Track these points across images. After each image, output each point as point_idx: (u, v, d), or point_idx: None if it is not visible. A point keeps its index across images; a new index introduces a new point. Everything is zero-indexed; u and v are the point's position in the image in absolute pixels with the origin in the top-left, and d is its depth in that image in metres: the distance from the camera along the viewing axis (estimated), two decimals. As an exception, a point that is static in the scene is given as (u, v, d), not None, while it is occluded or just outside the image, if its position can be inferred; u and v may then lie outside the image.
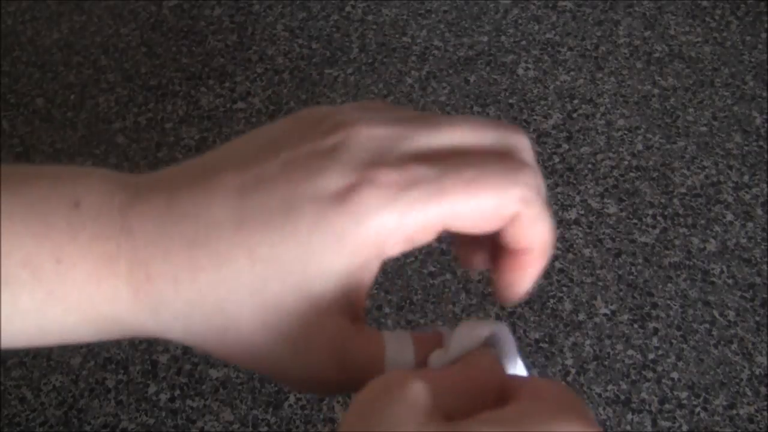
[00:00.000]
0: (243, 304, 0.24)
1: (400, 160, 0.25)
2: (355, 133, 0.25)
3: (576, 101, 0.96)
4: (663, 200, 0.87)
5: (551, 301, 0.79)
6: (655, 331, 0.78)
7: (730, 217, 0.86)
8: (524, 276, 0.28)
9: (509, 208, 0.25)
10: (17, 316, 0.24)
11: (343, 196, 0.24)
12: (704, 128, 0.93)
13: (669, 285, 0.81)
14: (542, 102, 0.96)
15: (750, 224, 0.85)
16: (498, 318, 0.78)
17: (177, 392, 0.75)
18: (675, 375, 0.75)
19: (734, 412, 0.72)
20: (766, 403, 0.73)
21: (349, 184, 0.24)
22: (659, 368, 0.75)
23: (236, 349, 0.25)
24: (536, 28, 1.05)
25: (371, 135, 0.25)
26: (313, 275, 0.24)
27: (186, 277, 0.24)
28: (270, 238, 0.24)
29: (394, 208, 0.24)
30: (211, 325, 0.24)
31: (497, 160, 0.26)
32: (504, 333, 0.27)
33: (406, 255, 0.80)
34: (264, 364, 0.25)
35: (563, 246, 0.83)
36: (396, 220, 0.24)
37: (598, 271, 0.81)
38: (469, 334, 0.27)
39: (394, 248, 0.25)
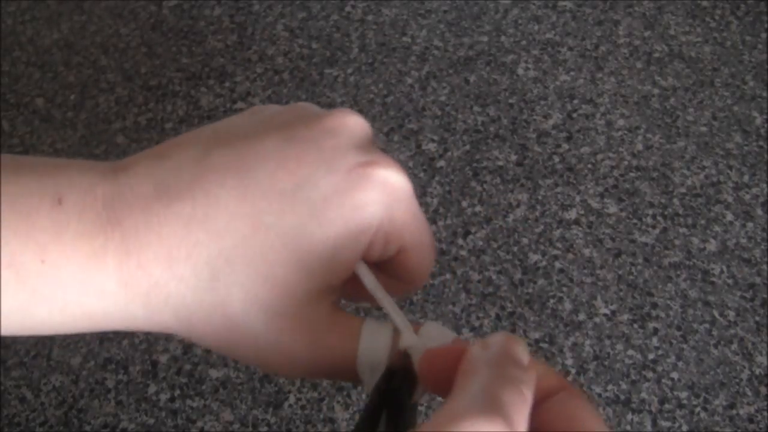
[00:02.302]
0: (236, 276, 0.24)
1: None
2: (350, 119, 0.26)
3: (576, 101, 0.96)
4: (663, 200, 0.87)
5: (551, 301, 0.79)
6: (655, 331, 0.78)
7: (730, 217, 0.86)
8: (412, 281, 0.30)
9: (429, 270, 0.29)
10: (4, 313, 0.24)
11: (364, 169, 0.25)
12: (704, 128, 0.93)
13: (669, 285, 0.81)
14: (542, 102, 0.96)
15: (750, 224, 0.85)
16: (498, 318, 0.78)
17: (177, 392, 0.75)
18: (675, 375, 0.75)
19: (734, 412, 0.72)
20: (766, 403, 0.73)
21: (367, 160, 0.25)
22: (659, 368, 0.75)
23: (221, 333, 0.25)
24: (536, 28, 1.05)
25: (362, 122, 0.26)
26: (314, 246, 0.24)
27: (182, 254, 0.24)
28: (278, 207, 0.24)
29: (409, 203, 0.26)
30: (201, 306, 0.24)
31: None
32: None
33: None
34: (244, 351, 0.25)
35: (563, 246, 0.83)
36: (406, 217, 0.26)
37: (598, 271, 0.81)
38: (440, 329, 0.27)
39: (377, 243, 0.26)
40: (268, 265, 0.24)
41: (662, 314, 0.79)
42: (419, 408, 0.74)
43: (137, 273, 0.24)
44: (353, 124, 0.26)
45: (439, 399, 0.25)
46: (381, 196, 0.25)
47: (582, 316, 0.78)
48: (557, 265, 0.81)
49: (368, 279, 0.27)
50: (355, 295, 0.28)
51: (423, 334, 0.27)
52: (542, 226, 0.85)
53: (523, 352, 0.23)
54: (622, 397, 0.73)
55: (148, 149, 0.26)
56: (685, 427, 0.72)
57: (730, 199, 0.87)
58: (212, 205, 0.24)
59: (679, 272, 0.81)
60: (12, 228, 0.23)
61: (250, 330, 0.25)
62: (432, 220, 0.85)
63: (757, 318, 0.78)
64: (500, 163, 0.90)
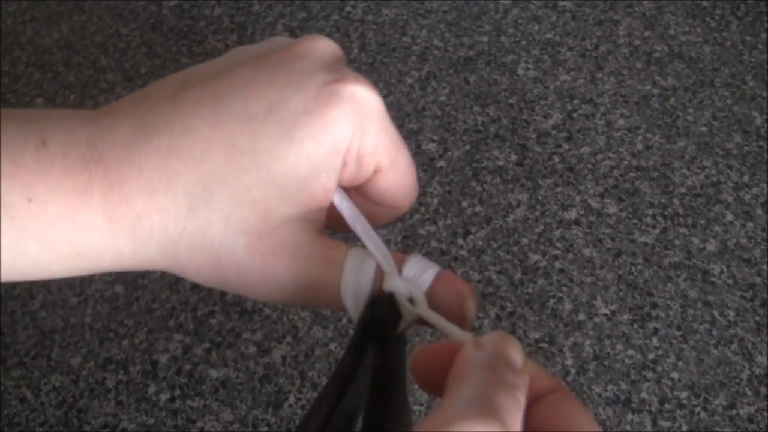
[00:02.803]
0: (214, 202, 0.24)
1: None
2: (319, 41, 0.27)
3: (576, 101, 0.96)
4: (663, 200, 0.87)
5: (551, 301, 0.79)
6: (655, 331, 0.78)
7: (730, 217, 0.86)
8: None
9: (410, 197, 0.30)
10: None
11: (333, 86, 0.25)
12: (704, 128, 0.93)
13: (669, 285, 0.81)
14: (542, 102, 0.96)
15: (750, 224, 0.85)
16: (498, 318, 0.78)
17: (177, 392, 0.75)
18: (675, 375, 0.75)
19: (734, 412, 0.72)
20: (766, 403, 0.73)
21: (335, 78, 0.25)
22: (659, 368, 0.75)
23: (203, 260, 0.25)
24: (536, 28, 1.05)
25: (331, 44, 0.27)
26: (289, 166, 0.25)
27: (162, 184, 0.24)
28: (251, 130, 0.24)
29: (381, 119, 0.26)
30: (183, 235, 0.25)
31: None
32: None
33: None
34: (225, 275, 0.26)
35: (563, 246, 0.83)
36: (379, 133, 0.26)
37: (598, 271, 0.81)
38: (424, 264, 0.27)
39: (350, 162, 0.26)
40: (245, 189, 0.24)
41: (662, 314, 0.79)
42: (419, 408, 0.74)
43: (121, 206, 0.24)
44: (322, 46, 0.27)
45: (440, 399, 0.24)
46: (350, 112, 0.25)
47: (582, 316, 0.78)
48: (557, 265, 0.81)
49: (347, 208, 0.27)
50: (338, 227, 0.29)
51: (407, 271, 0.27)
52: (542, 226, 0.85)
53: (516, 354, 0.23)
54: (622, 397, 0.73)
55: (129, 94, 0.27)
56: (685, 427, 0.72)
57: (730, 199, 0.87)
58: (188, 135, 0.24)
59: (679, 272, 0.81)
60: None
61: (232, 255, 0.25)
62: (432, 220, 0.85)
63: (757, 318, 0.78)
64: (500, 163, 0.90)
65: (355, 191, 0.29)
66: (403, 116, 0.95)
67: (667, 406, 0.73)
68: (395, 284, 0.27)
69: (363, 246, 0.28)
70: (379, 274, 0.27)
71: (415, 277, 0.27)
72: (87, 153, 0.24)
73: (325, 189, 0.26)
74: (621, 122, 0.94)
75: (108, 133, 0.25)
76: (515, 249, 0.83)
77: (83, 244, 0.25)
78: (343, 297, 0.27)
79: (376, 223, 0.30)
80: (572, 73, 0.99)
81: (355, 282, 0.27)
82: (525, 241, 0.84)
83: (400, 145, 0.28)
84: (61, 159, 0.24)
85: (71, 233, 0.24)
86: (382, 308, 0.27)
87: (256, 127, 0.25)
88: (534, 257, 0.82)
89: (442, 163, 0.91)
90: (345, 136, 0.25)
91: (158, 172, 0.24)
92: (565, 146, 0.92)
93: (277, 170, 0.25)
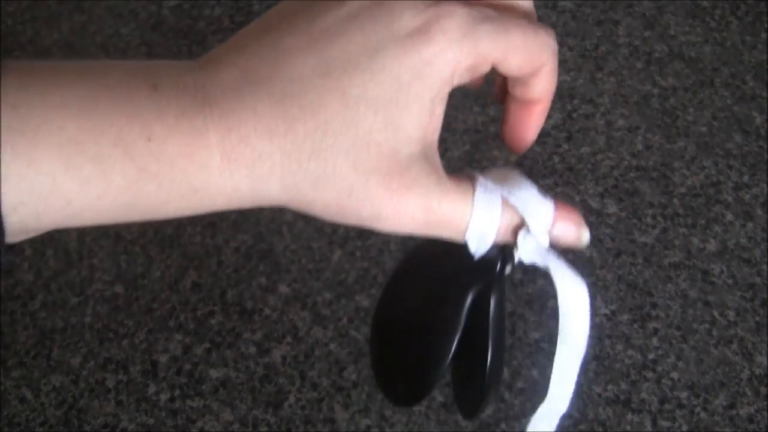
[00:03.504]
0: (338, 146, 0.26)
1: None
2: None
3: (576, 101, 0.96)
4: (663, 200, 0.87)
5: (551, 301, 0.79)
6: (655, 331, 0.78)
7: (730, 217, 0.86)
8: (535, 124, 0.32)
9: (545, 56, 0.29)
10: (109, 192, 0.25)
11: (425, 28, 0.26)
12: (704, 128, 0.93)
13: (669, 285, 0.81)
14: (542, 102, 0.96)
15: (750, 224, 0.85)
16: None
17: (177, 392, 0.75)
18: (675, 375, 0.75)
19: (734, 412, 0.72)
20: (766, 403, 0.73)
21: (426, 18, 0.26)
22: (659, 368, 0.75)
23: (331, 195, 0.26)
24: (536, 28, 1.05)
25: None
26: (402, 107, 0.26)
27: (281, 129, 0.25)
28: (360, 79, 0.26)
29: (471, 38, 0.27)
30: (308, 172, 0.26)
31: (535, 19, 0.30)
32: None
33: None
34: (357, 208, 0.27)
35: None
36: (470, 49, 0.27)
37: (598, 271, 0.81)
38: (540, 204, 0.29)
39: (462, 77, 0.28)
40: (366, 132, 0.26)
41: (662, 314, 0.79)
42: (418, 409, 0.74)
43: (240, 146, 0.25)
44: None
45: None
46: (446, 45, 0.26)
47: (582, 316, 0.78)
48: (557, 265, 0.81)
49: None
50: None
51: (530, 219, 0.29)
52: (542, 226, 0.85)
53: None
54: (622, 397, 0.73)
55: (220, 45, 0.28)
56: (685, 427, 0.72)
57: (730, 199, 0.87)
58: (299, 83, 0.26)
59: (679, 272, 0.81)
60: (117, 109, 0.24)
61: (365, 191, 0.26)
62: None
63: (757, 318, 0.78)
64: (500, 163, 0.90)
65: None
66: (403, 116, 0.95)
67: (667, 406, 0.73)
68: (527, 246, 0.29)
69: (486, 180, 0.29)
70: (506, 214, 0.29)
71: (539, 225, 0.29)
72: (198, 96, 0.25)
73: (439, 119, 0.28)
74: (621, 122, 0.94)
75: (215, 78, 0.26)
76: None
77: (201, 182, 0.25)
78: (468, 232, 0.28)
79: (535, 129, 0.32)
80: (572, 73, 0.99)
81: (482, 220, 0.28)
82: (525, 241, 0.84)
83: (508, 26, 0.28)
84: (175, 101, 0.25)
85: (189, 172, 0.25)
86: (509, 257, 0.29)
87: (365, 76, 0.26)
88: (534, 257, 0.82)
89: (442, 163, 0.91)
90: (446, 68, 0.27)
91: (274, 116, 0.25)
92: (565, 146, 0.92)
93: (392, 113, 0.26)
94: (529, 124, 0.32)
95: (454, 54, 0.27)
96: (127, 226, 0.86)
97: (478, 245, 0.29)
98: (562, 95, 0.97)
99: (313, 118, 0.25)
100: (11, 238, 0.25)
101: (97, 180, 0.24)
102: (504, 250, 0.30)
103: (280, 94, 0.26)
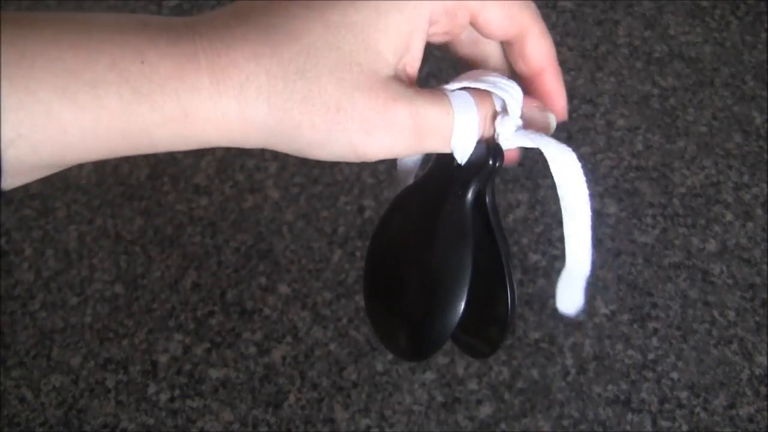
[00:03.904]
0: (321, 66, 0.27)
1: None
2: None
3: (576, 101, 0.96)
4: (663, 200, 0.87)
5: (551, 301, 0.79)
6: (655, 331, 0.78)
7: (730, 217, 0.86)
8: (554, 89, 0.34)
9: (525, 15, 0.31)
10: (104, 117, 0.26)
11: None
12: (704, 128, 0.93)
13: (669, 285, 0.81)
14: (542, 102, 0.96)
15: (750, 224, 0.85)
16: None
17: (177, 392, 0.75)
18: (675, 375, 0.75)
19: (734, 412, 0.72)
20: (766, 403, 0.73)
21: None
22: (659, 368, 0.75)
23: (318, 113, 0.27)
24: (536, 28, 1.05)
25: None
26: (381, 32, 0.28)
27: (266, 52, 0.27)
28: (341, 7, 0.28)
29: None
30: (294, 91, 0.27)
31: None
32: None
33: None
34: (346, 124, 0.28)
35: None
36: None
37: (598, 271, 0.81)
38: (509, 84, 0.31)
39: (439, 21, 0.29)
40: (347, 54, 0.27)
41: (662, 314, 0.79)
42: (419, 408, 0.74)
43: (228, 69, 0.26)
44: None
45: None
46: None
47: (582, 316, 0.78)
48: (557, 265, 0.81)
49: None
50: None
51: (511, 107, 0.31)
52: (542, 226, 0.85)
53: None
54: (622, 397, 0.73)
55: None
56: (685, 427, 0.72)
57: (730, 199, 0.87)
58: (285, 14, 0.27)
59: (679, 272, 0.81)
60: (111, 39, 0.26)
61: (352, 105, 0.27)
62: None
63: (757, 318, 0.78)
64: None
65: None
66: (403, 116, 0.95)
67: (667, 406, 0.73)
68: (508, 129, 0.30)
69: (454, 83, 0.30)
70: (481, 106, 0.30)
71: (513, 104, 0.30)
72: (189, 31, 0.27)
73: (418, 48, 0.29)
74: (621, 122, 0.94)
75: (206, 18, 0.28)
76: (515, 249, 0.83)
77: (191, 104, 0.26)
78: (454, 137, 0.29)
79: (560, 94, 0.34)
80: (572, 73, 0.99)
81: (464, 119, 0.29)
82: (525, 241, 0.84)
83: None
84: (166, 33, 0.26)
85: (181, 93, 0.26)
86: (496, 150, 0.30)
87: (345, 4, 0.27)
88: (534, 257, 0.82)
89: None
90: (423, 3, 0.28)
91: (262, 43, 0.27)
92: (565, 146, 0.91)
93: (371, 36, 0.28)
94: (550, 92, 0.34)
95: None
96: (127, 226, 0.86)
97: (464, 148, 0.30)
98: (562, 95, 0.97)
99: (297, 43, 0.27)
100: (7, 177, 0.25)
101: (92, 104, 0.25)
102: (489, 148, 0.30)
103: (266, 23, 0.27)
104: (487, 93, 0.30)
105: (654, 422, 0.72)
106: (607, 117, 0.95)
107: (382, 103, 0.28)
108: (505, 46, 0.33)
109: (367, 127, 0.28)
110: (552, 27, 1.05)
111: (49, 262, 0.84)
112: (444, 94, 0.30)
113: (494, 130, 0.30)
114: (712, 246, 0.83)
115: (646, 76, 0.99)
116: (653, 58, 1.01)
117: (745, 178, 0.89)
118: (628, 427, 0.72)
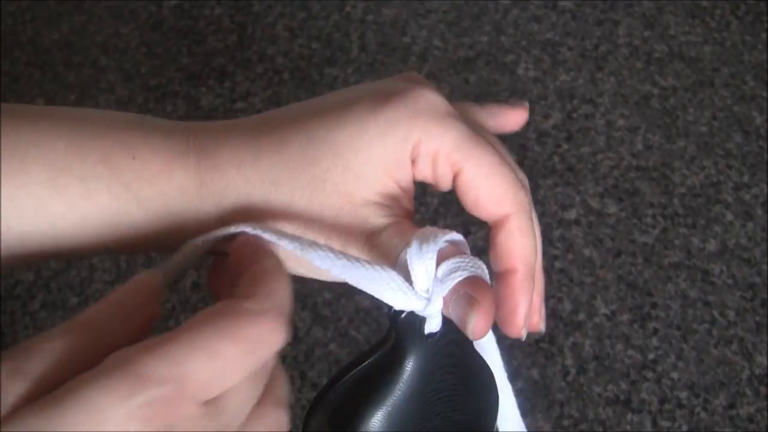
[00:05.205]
0: (295, 180, 0.27)
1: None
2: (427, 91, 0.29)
3: (576, 101, 0.96)
4: (663, 200, 0.87)
5: (551, 301, 0.79)
6: (655, 331, 0.78)
7: (730, 217, 0.86)
8: (518, 299, 0.28)
9: (509, 197, 0.28)
10: (93, 212, 0.26)
11: (402, 90, 0.28)
12: (704, 128, 0.93)
13: (669, 285, 0.81)
14: (542, 102, 0.96)
15: (750, 224, 0.85)
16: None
17: (177, 392, 0.75)
18: (675, 375, 0.75)
19: (734, 412, 0.72)
20: (766, 403, 0.73)
21: (410, 86, 0.28)
22: (659, 368, 0.75)
23: (287, 228, 0.27)
24: (536, 28, 1.05)
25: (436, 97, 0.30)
26: (362, 159, 0.27)
27: (250, 161, 0.27)
28: (326, 124, 0.27)
29: (440, 121, 0.27)
30: (268, 203, 0.28)
31: (514, 165, 0.30)
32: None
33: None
34: (312, 234, 0.28)
35: (563, 246, 0.83)
36: (436, 130, 0.27)
37: (598, 271, 0.81)
38: (455, 266, 0.26)
39: (423, 162, 0.28)
40: (324, 171, 0.27)
41: (662, 314, 0.79)
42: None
43: (213, 173, 0.27)
44: (425, 93, 0.29)
45: None
46: (410, 111, 0.27)
47: (582, 316, 0.78)
48: (557, 265, 0.81)
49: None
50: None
51: (440, 271, 0.26)
52: (542, 226, 0.85)
53: None
54: (622, 397, 0.73)
55: None
56: (685, 427, 0.72)
57: (730, 199, 0.87)
58: (271, 124, 0.28)
59: (679, 272, 0.81)
60: (103, 133, 0.26)
61: (318, 222, 0.28)
62: (432, 221, 0.85)
63: (757, 318, 0.78)
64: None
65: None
66: (403, 116, 0.95)
67: (667, 406, 0.73)
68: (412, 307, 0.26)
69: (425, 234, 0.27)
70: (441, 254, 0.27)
71: (444, 281, 0.26)
72: (184, 131, 0.28)
73: (398, 181, 0.28)
74: (621, 122, 0.94)
75: (202, 125, 0.28)
76: (515, 249, 0.83)
77: (176, 204, 0.27)
78: (386, 287, 0.27)
79: (519, 308, 0.28)
80: (572, 73, 0.99)
81: (405, 274, 0.26)
82: (525, 241, 0.84)
83: (479, 142, 0.28)
84: (162, 133, 0.27)
85: (167, 192, 0.27)
86: (403, 323, 0.27)
87: (331, 121, 0.27)
88: (534, 257, 0.82)
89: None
90: (406, 134, 0.27)
91: (246, 149, 0.27)
92: (565, 146, 0.92)
93: (351, 159, 0.27)
94: (513, 298, 0.28)
95: (419, 125, 0.27)
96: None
97: (391, 301, 0.26)
98: (562, 95, 0.97)
99: (278, 153, 0.27)
100: None
101: (82, 199, 0.26)
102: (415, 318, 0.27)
103: (253, 130, 0.28)
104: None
105: (654, 422, 0.72)
106: (607, 117, 0.95)
107: (346, 224, 0.27)
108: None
109: (328, 239, 0.27)
110: (552, 27, 1.05)
111: (49, 262, 0.84)
112: (412, 241, 0.26)
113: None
114: (712, 246, 0.83)
115: (646, 76, 0.99)
116: (653, 58, 1.01)
117: (745, 178, 0.89)
118: (628, 427, 0.72)
